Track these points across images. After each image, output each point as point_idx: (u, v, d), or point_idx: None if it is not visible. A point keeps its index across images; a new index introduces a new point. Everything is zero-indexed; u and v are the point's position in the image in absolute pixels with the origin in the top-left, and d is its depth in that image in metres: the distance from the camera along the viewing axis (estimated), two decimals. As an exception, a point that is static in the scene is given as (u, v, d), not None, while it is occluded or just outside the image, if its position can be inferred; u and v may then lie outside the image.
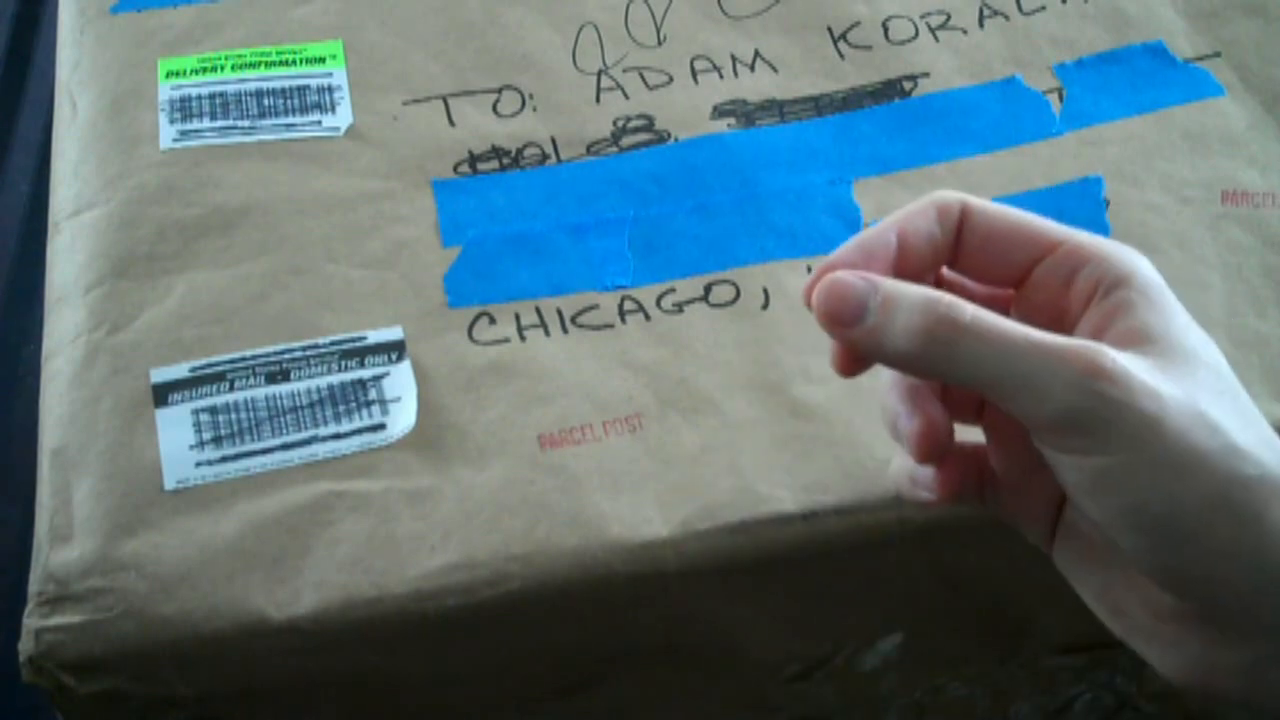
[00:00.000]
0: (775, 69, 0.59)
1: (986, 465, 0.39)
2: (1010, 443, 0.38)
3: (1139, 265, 0.36)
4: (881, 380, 0.38)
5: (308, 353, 0.50)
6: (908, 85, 0.58)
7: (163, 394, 0.48)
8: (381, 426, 0.48)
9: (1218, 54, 0.59)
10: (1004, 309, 0.38)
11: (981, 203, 0.37)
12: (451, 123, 0.57)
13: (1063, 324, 0.37)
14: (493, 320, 0.51)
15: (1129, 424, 0.33)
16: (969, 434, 0.40)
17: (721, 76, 0.59)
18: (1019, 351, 0.33)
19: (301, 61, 0.58)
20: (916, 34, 0.60)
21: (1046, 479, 0.36)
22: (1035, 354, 0.33)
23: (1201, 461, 0.33)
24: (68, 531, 0.45)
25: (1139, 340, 0.35)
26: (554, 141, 0.56)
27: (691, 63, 0.59)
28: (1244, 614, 0.34)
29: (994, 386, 0.34)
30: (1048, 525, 0.38)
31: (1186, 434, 0.33)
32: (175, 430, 0.48)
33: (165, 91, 0.57)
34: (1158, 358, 0.34)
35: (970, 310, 0.34)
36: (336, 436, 0.48)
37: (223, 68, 0.58)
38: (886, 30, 0.60)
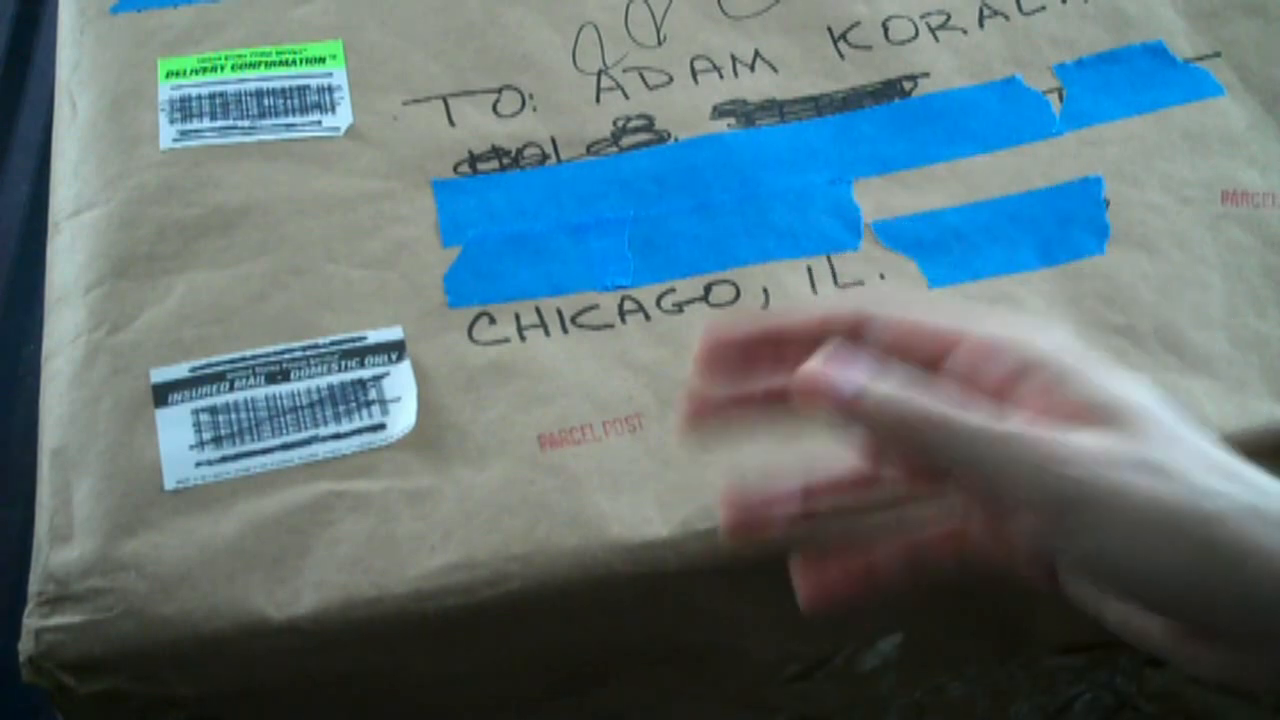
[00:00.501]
0: (775, 69, 0.59)
1: (943, 540, 0.39)
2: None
3: (1042, 342, 0.37)
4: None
5: (308, 353, 0.50)
6: (908, 85, 0.58)
7: (163, 394, 0.48)
8: (381, 426, 0.48)
9: (1218, 54, 0.59)
10: None
11: (877, 313, 0.38)
12: (451, 123, 0.57)
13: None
14: (493, 320, 0.51)
15: (1095, 498, 0.33)
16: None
17: (721, 76, 0.59)
18: (982, 441, 0.34)
19: (301, 61, 0.58)
20: (916, 34, 0.60)
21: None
22: (998, 444, 0.34)
23: (1170, 514, 0.34)
24: (68, 531, 0.45)
25: (1077, 415, 0.35)
26: (554, 141, 0.56)
27: (691, 63, 0.59)
28: (1256, 630, 0.34)
29: (961, 474, 0.35)
30: (1043, 569, 0.38)
31: (1150, 492, 0.34)
32: (175, 430, 0.48)
33: (165, 91, 0.57)
34: (1100, 425, 0.35)
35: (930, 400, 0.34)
36: (336, 436, 0.48)
37: (223, 68, 0.58)
38: (886, 30, 0.60)
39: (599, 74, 0.59)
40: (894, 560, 0.39)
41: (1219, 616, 0.34)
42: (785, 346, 0.38)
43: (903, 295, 0.37)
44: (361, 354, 0.50)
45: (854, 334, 0.37)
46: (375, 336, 0.50)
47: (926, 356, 0.37)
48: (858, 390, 0.35)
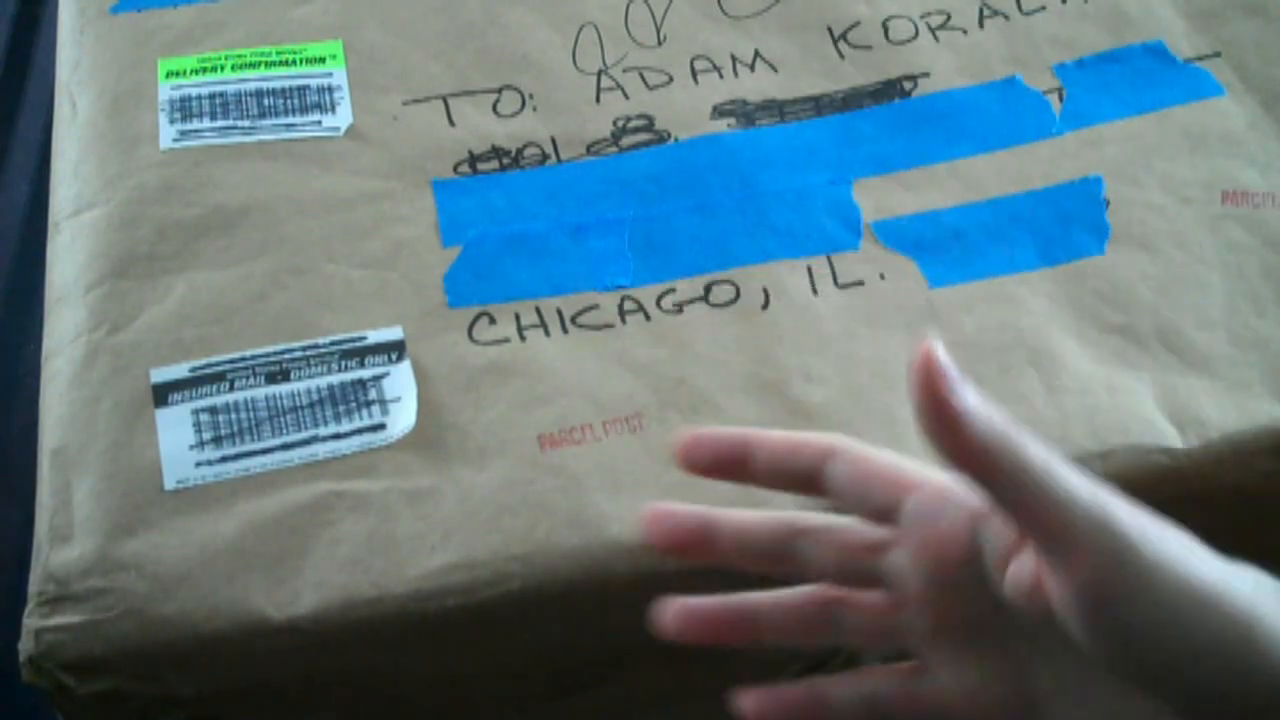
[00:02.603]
0: (775, 69, 0.59)
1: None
2: (925, 613, 0.37)
3: None
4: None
5: (308, 353, 0.50)
6: (908, 85, 0.58)
7: (163, 394, 0.48)
8: (381, 426, 0.48)
9: (1218, 54, 0.59)
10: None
11: (845, 449, 0.37)
12: (451, 123, 0.57)
13: (947, 559, 0.36)
14: (493, 320, 0.51)
15: (1143, 557, 0.32)
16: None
17: (721, 76, 0.59)
18: (1056, 476, 0.32)
19: (301, 61, 0.58)
20: (916, 34, 0.60)
21: (989, 663, 0.36)
22: (1066, 483, 0.32)
23: (1209, 590, 0.32)
24: (68, 531, 0.45)
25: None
26: (554, 141, 0.56)
27: (691, 63, 0.59)
28: None
29: (1031, 506, 0.32)
30: (1021, 712, 0.37)
31: (1189, 565, 0.32)
32: (175, 430, 0.48)
33: (165, 91, 0.57)
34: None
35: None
36: (336, 436, 0.48)
37: (223, 68, 0.58)
38: (886, 30, 0.60)
39: (599, 74, 0.59)
40: (854, 705, 0.38)
41: (1244, 703, 0.32)
42: (753, 463, 0.38)
43: (866, 449, 0.37)
44: (361, 354, 0.50)
45: (820, 462, 0.37)
46: (375, 336, 0.50)
47: (882, 502, 0.37)
48: (976, 403, 0.32)
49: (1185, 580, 0.32)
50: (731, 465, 0.38)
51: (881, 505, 0.37)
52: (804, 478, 0.37)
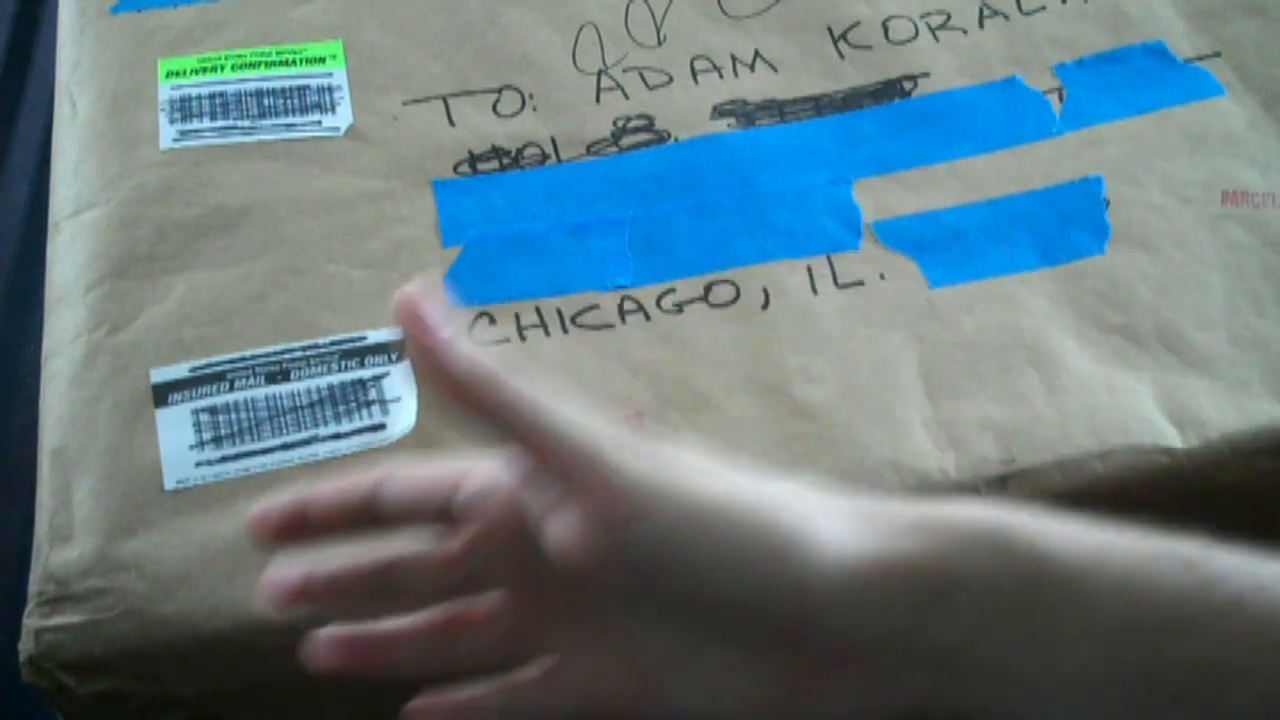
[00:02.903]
0: (775, 69, 0.59)
1: None
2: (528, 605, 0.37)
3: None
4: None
5: (308, 353, 0.50)
6: (908, 85, 0.58)
7: (163, 394, 0.48)
8: (381, 426, 0.48)
9: (1218, 54, 0.59)
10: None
11: (390, 472, 0.37)
12: (451, 123, 0.57)
13: (501, 533, 0.36)
14: (493, 320, 0.51)
15: (653, 486, 0.33)
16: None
17: (721, 76, 0.59)
18: (554, 417, 0.34)
19: (301, 61, 0.58)
20: (916, 34, 0.60)
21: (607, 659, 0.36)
22: (568, 426, 0.34)
23: (733, 500, 0.33)
24: (68, 531, 0.45)
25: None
26: (554, 141, 0.56)
27: (691, 63, 0.59)
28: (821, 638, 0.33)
29: (526, 440, 0.34)
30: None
31: (711, 483, 0.33)
32: (175, 430, 0.48)
33: (165, 91, 0.57)
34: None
35: None
36: (336, 436, 0.48)
37: (223, 68, 0.58)
38: (886, 30, 0.60)
39: (599, 74, 0.59)
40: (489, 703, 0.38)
41: (789, 612, 0.33)
42: (310, 520, 0.37)
43: (416, 465, 0.38)
44: (361, 354, 0.50)
45: (372, 490, 0.37)
46: (375, 336, 0.50)
47: (438, 504, 0.37)
48: (452, 336, 0.34)
49: (694, 497, 0.33)
50: (293, 527, 0.37)
51: (439, 507, 0.37)
52: (361, 512, 0.37)
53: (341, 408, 0.48)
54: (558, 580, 0.35)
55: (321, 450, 0.47)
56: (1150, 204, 0.55)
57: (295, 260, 0.52)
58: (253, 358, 0.49)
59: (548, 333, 0.51)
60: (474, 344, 0.35)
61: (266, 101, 0.57)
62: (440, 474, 0.37)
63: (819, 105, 0.58)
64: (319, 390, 0.49)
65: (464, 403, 0.34)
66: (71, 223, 0.54)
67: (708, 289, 0.52)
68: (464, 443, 0.48)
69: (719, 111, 0.57)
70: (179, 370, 0.49)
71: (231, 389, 0.49)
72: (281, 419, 0.48)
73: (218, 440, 0.47)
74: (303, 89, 0.57)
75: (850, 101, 0.58)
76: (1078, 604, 0.33)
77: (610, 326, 0.51)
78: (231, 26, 0.59)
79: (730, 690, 0.35)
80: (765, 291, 0.52)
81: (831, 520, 0.33)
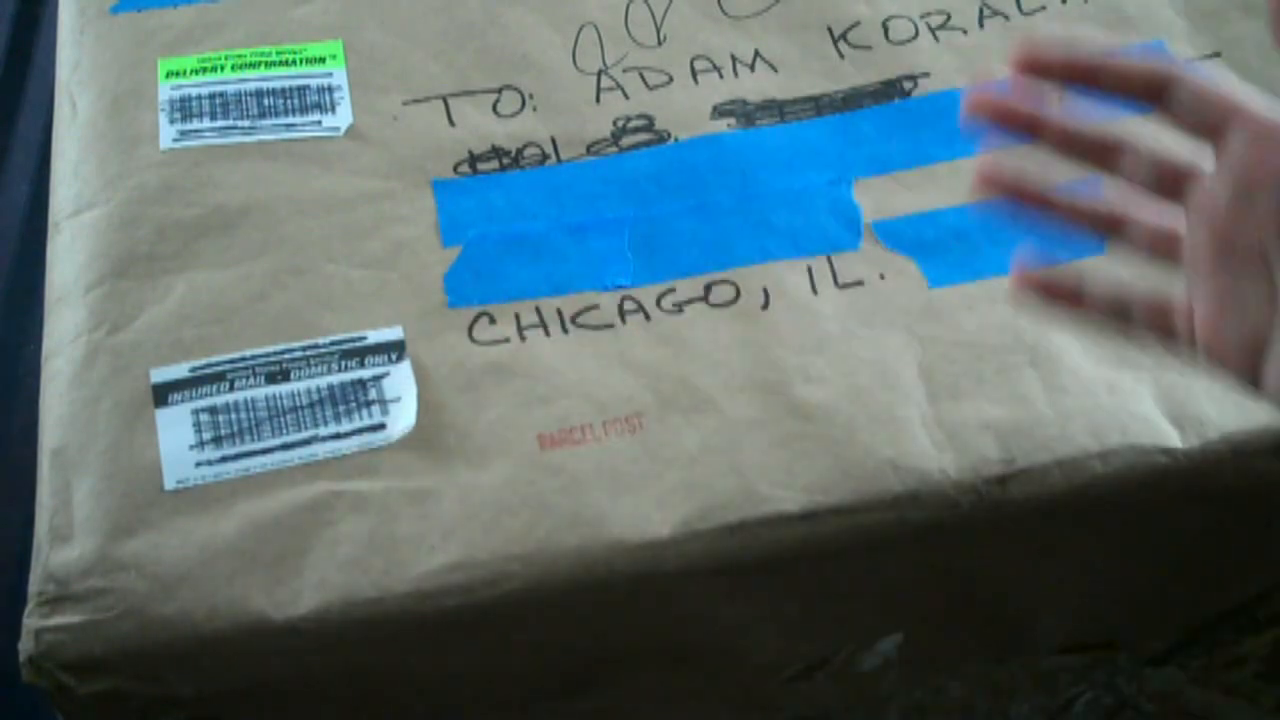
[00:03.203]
0: (775, 69, 0.59)
1: (1184, 312, 0.40)
2: (1214, 230, 0.39)
3: None
4: None
5: (308, 353, 0.50)
6: (908, 85, 0.58)
7: (163, 394, 0.48)
8: (381, 426, 0.48)
9: (1218, 54, 0.59)
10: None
11: (1185, 77, 0.39)
12: (451, 123, 0.57)
13: (1261, 182, 0.38)
14: (493, 320, 0.51)
15: None
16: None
17: (721, 76, 0.59)
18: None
19: (301, 61, 0.58)
20: (916, 34, 0.60)
21: (1250, 293, 0.38)
22: None
23: None
24: (68, 531, 0.45)
25: None
26: (554, 141, 0.56)
27: (691, 63, 0.59)
28: None
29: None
30: (1255, 356, 0.39)
31: None
32: (175, 430, 0.48)
33: (165, 91, 0.57)
34: None
35: None
36: (336, 436, 0.48)
37: (223, 68, 0.58)
38: (886, 30, 0.60)
39: (599, 74, 0.59)
40: (1104, 294, 0.42)
41: None
42: (1101, 72, 0.40)
43: (1204, 74, 0.40)
44: (361, 354, 0.50)
45: (1166, 76, 0.39)
46: (375, 336, 0.50)
47: (1216, 120, 0.39)
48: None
49: None
50: (1079, 72, 0.40)
51: (1214, 124, 0.39)
52: (1147, 86, 0.39)
53: (341, 408, 0.48)
54: (1271, 243, 0.37)
55: (321, 450, 0.47)
56: (1150, 204, 0.55)
57: (295, 260, 0.52)
58: (253, 358, 0.50)
59: (548, 333, 0.51)
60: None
61: (266, 101, 0.57)
62: (1230, 98, 0.39)
63: (819, 105, 0.58)
64: (319, 390, 0.49)
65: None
66: (71, 223, 0.54)
67: (708, 289, 0.52)
68: (464, 442, 0.48)
69: (719, 111, 0.57)
70: (179, 370, 0.49)
71: (231, 389, 0.49)
72: (281, 419, 0.48)
73: (218, 440, 0.47)
74: (303, 89, 0.57)
75: (850, 101, 0.58)
76: None
77: (610, 326, 0.51)
78: (231, 26, 0.59)
79: None
80: (765, 291, 0.52)
81: None
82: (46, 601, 0.44)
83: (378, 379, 0.49)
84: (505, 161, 0.56)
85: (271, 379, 0.49)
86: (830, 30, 0.60)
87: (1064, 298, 0.43)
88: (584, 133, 0.57)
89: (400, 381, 0.49)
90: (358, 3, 0.60)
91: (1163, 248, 0.41)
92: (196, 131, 0.56)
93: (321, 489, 0.46)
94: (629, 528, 0.46)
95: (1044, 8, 0.61)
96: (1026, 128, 0.42)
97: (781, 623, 0.50)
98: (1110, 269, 0.42)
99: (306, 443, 0.48)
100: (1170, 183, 0.40)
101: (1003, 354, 0.50)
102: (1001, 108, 0.42)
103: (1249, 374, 0.39)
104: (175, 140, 0.55)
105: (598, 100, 0.58)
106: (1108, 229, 0.42)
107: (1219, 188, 0.39)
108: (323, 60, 0.58)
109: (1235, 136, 0.38)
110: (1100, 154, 0.41)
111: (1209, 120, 0.39)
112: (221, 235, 0.53)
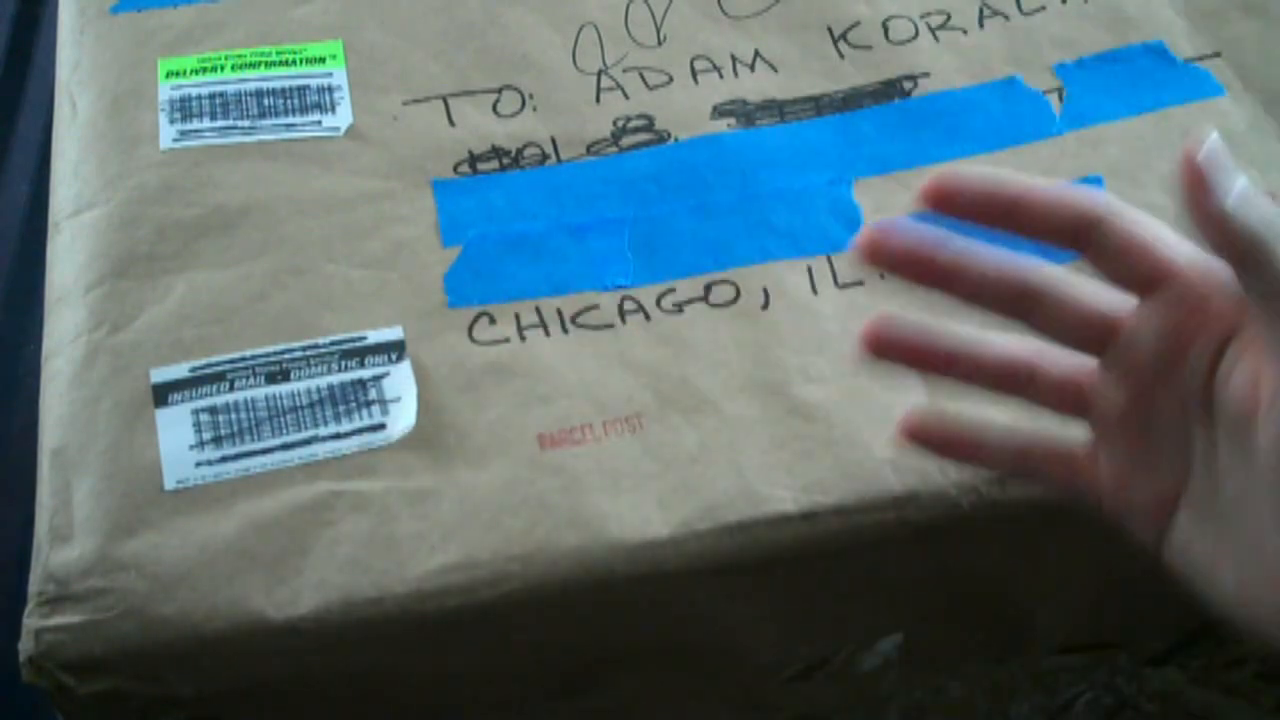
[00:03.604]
0: (775, 69, 0.59)
1: (1087, 462, 0.39)
2: (1133, 391, 0.37)
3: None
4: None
5: (308, 353, 0.50)
6: (908, 85, 0.58)
7: (163, 394, 0.48)
8: (381, 426, 0.48)
9: (1218, 54, 0.59)
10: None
11: (1113, 217, 0.37)
12: (451, 123, 0.57)
13: (1190, 343, 0.36)
14: (493, 320, 0.51)
15: None
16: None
17: (721, 76, 0.59)
18: None
19: (301, 61, 0.58)
20: (916, 34, 0.60)
21: (1163, 454, 0.36)
22: None
23: None
24: (68, 531, 0.45)
25: None
26: (554, 141, 0.56)
27: (691, 63, 0.59)
28: None
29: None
30: (1160, 519, 0.37)
31: None
32: (175, 430, 0.48)
33: (165, 91, 0.57)
34: None
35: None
36: (336, 436, 0.48)
37: (223, 68, 0.58)
38: (886, 30, 0.60)
39: (599, 74, 0.59)
40: (1002, 444, 0.40)
41: None
42: (1021, 210, 0.37)
43: (1132, 214, 0.37)
44: (361, 354, 0.50)
45: (1092, 219, 0.37)
46: (375, 336, 0.50)
47: (1145, 274, 0.37)
48: (1242, 193, 0.34)
49: None
50: (996, 210, 0.37)
51: (1141, 278, 0.37)
52: (1071, 230, 0.37)
53: (341, 408, 0.48)
54: (1189, 404, 0.36)
55: (321, 450, 0.47)
56: (1150, 204, 0.54)
57: (295, 260, 0.52)
58: (253, 358, 0.50)
59: (548, 333, 0.51)
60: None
61: (266, 101, 0.57)
62: (1158, 248, 0.37)
63: (819, 105, 0.58)
64: (319, 390, 0.49)
65: (1230, 260, 0.34)
66: (71, 223, 0.54)
67: (708, 289, 0.52)
68: (464, 442, 0.48)
69: (719, 111, 0.57)
70: (179, 370, 0.49)
71: (231, 389, 0.49)
72: (281, 419, 0.48)
73: (218, 440, 0.47)
74: (303, 89, 0.57)
75: (850, 101, 0.58)
76: None
77: (610, 326, 0.51)
78: (231, 26, 0.59)
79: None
80: (765, 291, 0.52)
81: None
82: (46, 601, 0.44)
83: (378, 379, 0.49)
84: (505, 161, 0.56)
85: (271, 379, 0.49)
86: (830, 30, 0.60)
87: (962, 450, 0.41)
88: (584, 133, 0.57)
89: (400, 381, 0.49)
90: (358, 3, 0.60)
91: (1071, 400, 0.39)
92: (196, 131, 0.56)
93: (321, 489, 0.46)
94: (629, 528, 0.46)
95: (1044, 8, 0.61)
96: (929, 274, 0.38)
97: (781, 623, 0.50)
98: (1008, 428, 0.40)
99: (306, 443, 0.48)
100: (1092, 335, 0.38)
101: (1003, 354, 0.50)
102: (899, 252, 0.38)
103: (1153, 537, 0.38)
104: (175, 140, 0.55)
105: (598, 100, 0.58)
106: (1012, 381, 0.39)
107: (1142, 348, 0.37)
108: (323, 60, 0.58)
109: (1163, 296, 0.37)
110: (1016, 303, 0.38)
111: (1136, 273, 0.37)
112: (221, 235, 0.53)
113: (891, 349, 0.39)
